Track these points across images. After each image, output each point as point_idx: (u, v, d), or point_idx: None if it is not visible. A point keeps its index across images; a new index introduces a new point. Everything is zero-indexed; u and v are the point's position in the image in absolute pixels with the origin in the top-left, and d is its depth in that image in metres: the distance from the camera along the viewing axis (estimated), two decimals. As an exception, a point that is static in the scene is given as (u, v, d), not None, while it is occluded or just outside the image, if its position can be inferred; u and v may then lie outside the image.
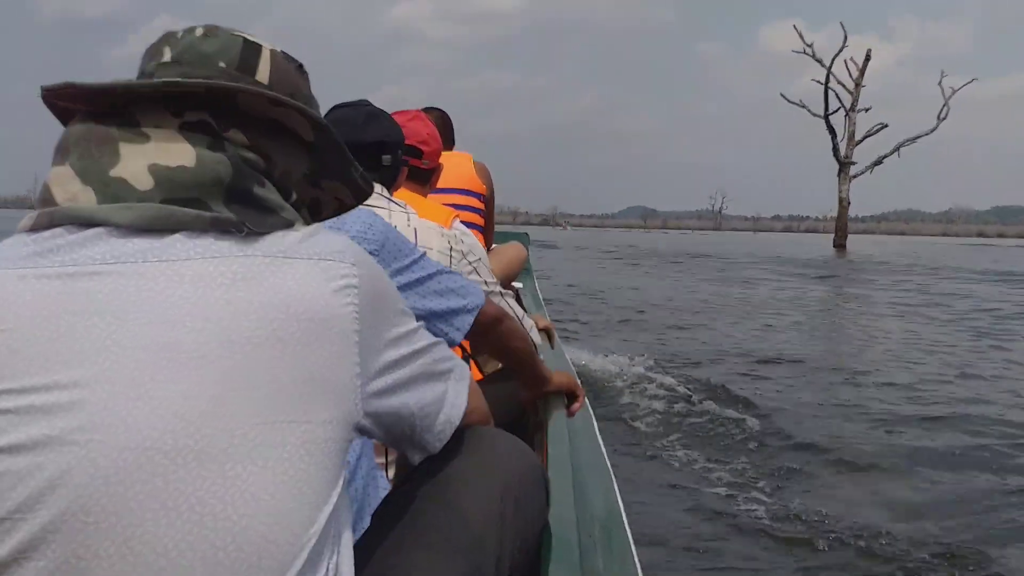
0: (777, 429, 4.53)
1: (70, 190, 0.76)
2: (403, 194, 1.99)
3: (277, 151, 0.85)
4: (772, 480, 3.73)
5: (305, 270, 0.77)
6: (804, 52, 37.43)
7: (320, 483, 0.74)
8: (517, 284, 4.25)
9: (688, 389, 5.37)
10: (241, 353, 0.72)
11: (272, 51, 0.89)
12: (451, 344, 1.51)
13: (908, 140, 37.28)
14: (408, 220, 1.80)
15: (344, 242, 0.84)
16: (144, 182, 0.76)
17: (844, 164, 37.01)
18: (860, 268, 23.68)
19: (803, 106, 38.00)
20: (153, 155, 0.77)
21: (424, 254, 1.53)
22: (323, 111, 0.99)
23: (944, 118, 36.94)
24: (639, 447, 4.23)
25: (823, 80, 36.80)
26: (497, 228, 3.77)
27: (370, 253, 1.29)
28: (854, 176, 37.31)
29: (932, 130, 37.29)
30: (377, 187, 1.78)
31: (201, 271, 0.74)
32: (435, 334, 1.18)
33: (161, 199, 0.76)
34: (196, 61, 0.84)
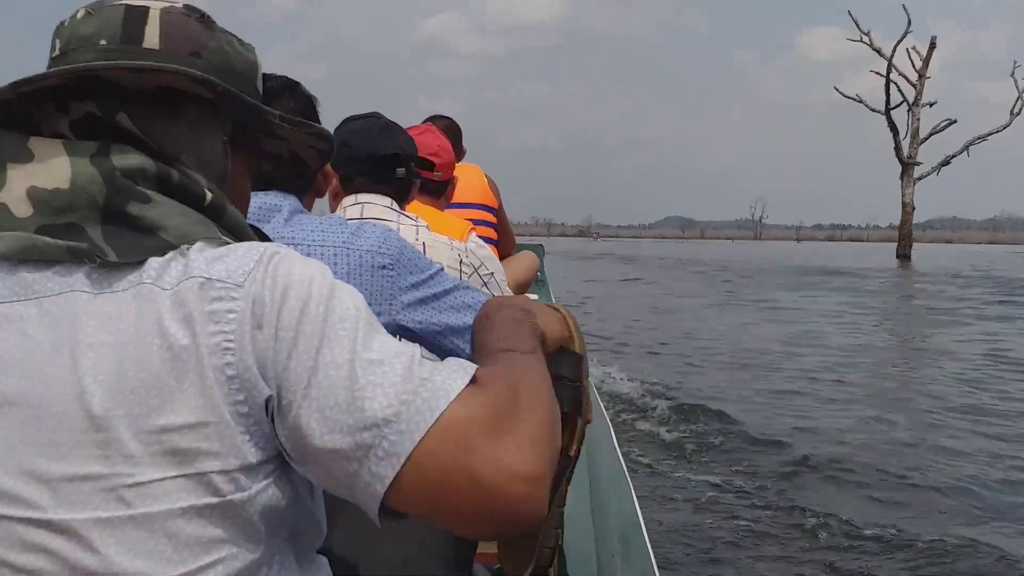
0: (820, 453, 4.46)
1: None
2: (418, 207, 1.97)
3: (176, 123, 0.77)
4: (796, 492, 3.79)
5: (171, 299, 0.67)
6: (861, 40, 33.91)
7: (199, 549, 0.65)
8: (532, 296, 3.97)
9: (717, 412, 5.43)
10: (91, 404, 0.64)
11: (163, 10, 0.79)
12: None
13: (978, 138, 33.51)
14: (416, 234, 1.77)
15: (238, 261, 0.70)
16: (23, 208, 0.70)
17: (907, 164, 33.30)
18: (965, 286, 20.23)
19: (860, 100, 34.49)
20: (34, 176, 0.71)
21: (441, 269, 1.48)
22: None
23: (1018, 113, 33.21)
24: (664, 460, 4.30)
25: (881, 72, 33.18)
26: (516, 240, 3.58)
27: (384, 267, 1.37)
28: (919, 178, 33.57)
29: (1005, 126, 33.51)
30: (387, 200, 1.77)
31: (65, 308, 0.68)
32: (451, 350, 1.34)
33: (38, 226, 0.70)
34: (79, 46, 0.77)
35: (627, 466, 1.59)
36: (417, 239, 1.74)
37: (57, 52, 0.78)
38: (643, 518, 1.29)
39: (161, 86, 0.76)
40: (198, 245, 0.71)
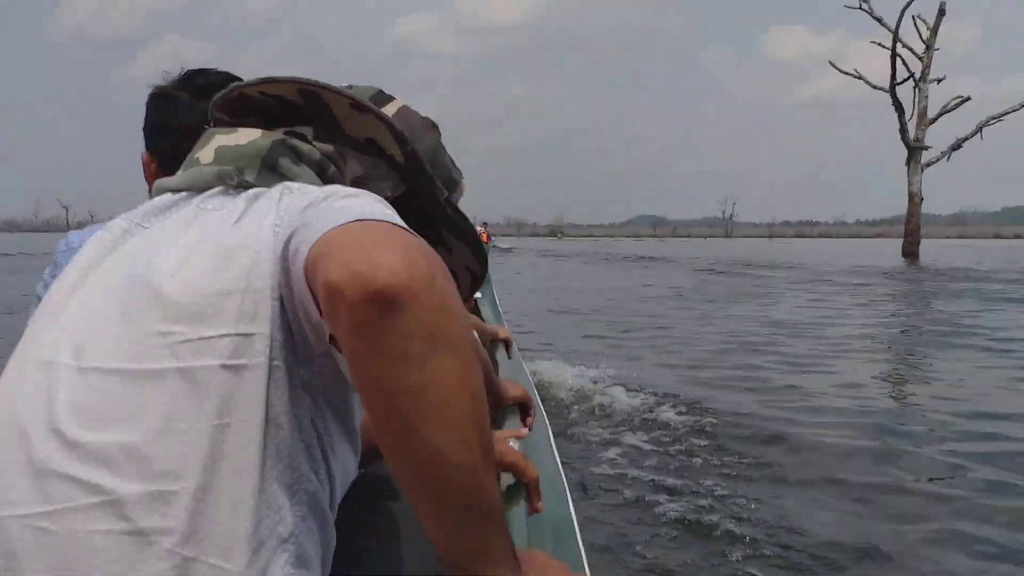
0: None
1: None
2: None
3: (360, 163, 0.94)
4: (735, 491, 3.59)
5: (265, 201, 0.82)
6: (860, 8, 29.93)
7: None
8: (475, 294, 3.49)
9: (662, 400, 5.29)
10: (177, 282, 0.77)
11: (404, 106, 1.04)
12: None
13: (993, 118, 29.63)
14: None
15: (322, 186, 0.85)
16: (207, 157, 0.90)
17: (914, 149, 29.35)
18: None
19: (859, 76, 30.56)
20: (227, 140, 0.91)
21: None
22: None
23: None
24: (601, 458, 4.09)
25: (884, 43, 29.17)
26: None
27: None
28: (927, 164, 29.62)
29: (1023, 105, 29.65)
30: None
31: (198, 213, 0.85)
32: None
33: (216, 170, 0.88)
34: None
35: (563, 465, 1.58)
36: None
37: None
38: (576, 519, 1.29)
39: (369, 138, 0.95)
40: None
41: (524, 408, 1.73)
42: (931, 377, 6.62)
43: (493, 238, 55.00)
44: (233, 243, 0.77)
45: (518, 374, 2.23)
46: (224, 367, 0.71)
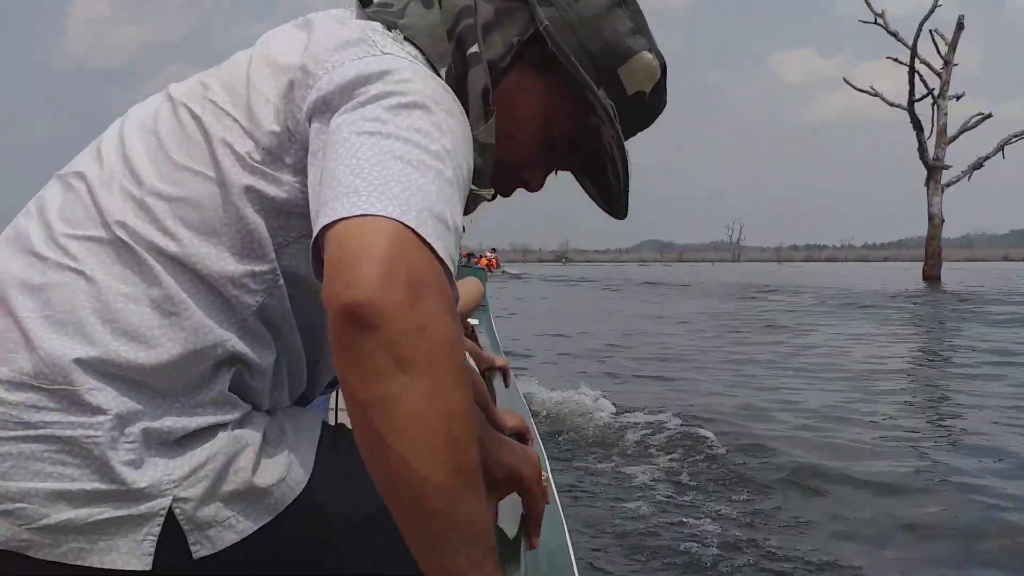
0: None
1: None
2: None
3: (496, 7, 0.96)
4: (738, 528, 3.44)
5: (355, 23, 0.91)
6: (875, 23, 28.76)
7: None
8: (473, 321, 4.07)
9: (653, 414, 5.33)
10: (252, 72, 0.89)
11: None
12: None
13: (1015, 136, 28.33)
14: None
15: (401, 57, 0.88)
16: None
17: (934, 168, 28.03)
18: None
19: (875, 93, 29.34)
20: None
21: None
22: None
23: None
24: (599, 489, 3.97)
25: (901, 59, 27.97)
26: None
27: None
28: (947, 184, 28.27)
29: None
30: None
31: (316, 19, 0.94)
32: None
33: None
34: None
35: (560, 495, 1.59)
36: None
37: None
38: (573, 551, 1.28)
39: None
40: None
41: (521, 439, 1.64)
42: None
43: (502, 264, 54.21)
44: (291, 58, 0.85)
45: (515, 403, 2.25)
46: (219, 139, 0.84)
